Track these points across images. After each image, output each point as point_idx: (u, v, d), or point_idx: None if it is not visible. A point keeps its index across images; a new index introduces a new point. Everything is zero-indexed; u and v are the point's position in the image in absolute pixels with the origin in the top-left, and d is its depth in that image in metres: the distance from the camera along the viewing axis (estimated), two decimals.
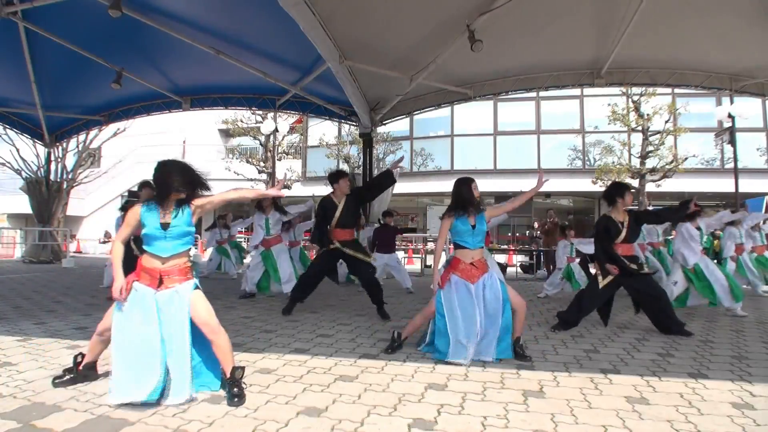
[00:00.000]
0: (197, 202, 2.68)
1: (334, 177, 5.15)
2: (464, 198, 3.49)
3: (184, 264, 2.65)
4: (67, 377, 2.67)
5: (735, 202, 10.45)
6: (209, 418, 2.25)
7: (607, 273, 4.32)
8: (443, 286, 3.43)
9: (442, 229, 3.59)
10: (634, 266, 4.30)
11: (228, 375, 2.52)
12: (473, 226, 3.46)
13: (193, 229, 2.68)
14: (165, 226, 2.57)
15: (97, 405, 2.39)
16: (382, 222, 7.78)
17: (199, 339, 2.59)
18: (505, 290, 3.42)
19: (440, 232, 3.63)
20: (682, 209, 4.83)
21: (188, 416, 2.28)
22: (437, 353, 3.35)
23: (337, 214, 4.98)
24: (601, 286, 4.33)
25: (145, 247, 2.61)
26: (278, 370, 3.05)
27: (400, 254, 12.61)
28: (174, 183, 2.57)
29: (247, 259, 10.23)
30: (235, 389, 2.47)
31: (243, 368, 2.56)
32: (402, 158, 5.34)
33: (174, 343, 2.49)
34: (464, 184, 3.54)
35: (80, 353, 2.75)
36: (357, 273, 5.21)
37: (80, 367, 2.70)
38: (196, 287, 2.65)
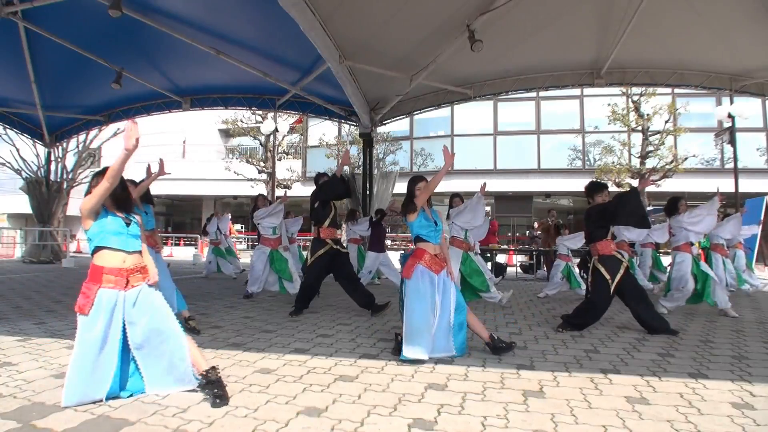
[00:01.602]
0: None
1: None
2: (416, 199, 3.57)
3: (141, 262, 2.70)
4: None
5: (735, 202, 10.45)
6: (209, 418, 2.25)
7: (614, 275, 4.28)
8: (410, 276, 3.47)
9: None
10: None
11: (204, 378, 2.49)
12: (436, 224, 3.59)
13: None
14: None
15: (97, 405, 2.39)
16: (374, 218, 7.85)
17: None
18: (457, 288, 3.57)
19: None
20: None
21: (188, 416, 2.28)
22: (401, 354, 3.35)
23: (332, 214, 5.15)
24: (612, 288, 4.28)
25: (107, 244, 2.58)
26: (278, 370, 3.05)
27: (399, 254, 12.62)
28: None
29: (245, 258, 10.26)
30: (216, 390, 2.44)
31: (215, 367, 2.54)
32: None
33: (158, 345, 2.55)
34: (415, 186, 3.62)
35: None
36: (341, 272, 5.19)
37: None
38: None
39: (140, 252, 2.69)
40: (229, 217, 10.02)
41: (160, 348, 2.54)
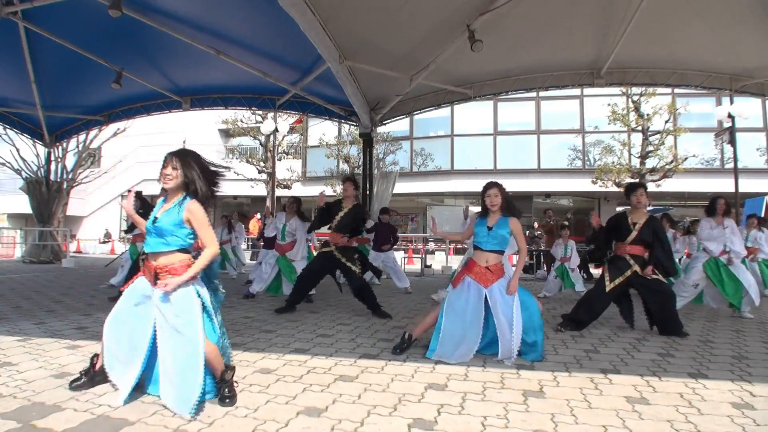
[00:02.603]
0: (191, 210, 2.47)
1: (346, 179, 5.15)
2: (482, 205, 3.61)
3: (179, 263, 2.48)
4: (84, 380, 2.58)
5: (735, 202, 10.44)
6: (209, 418, 2.25)
7: (615, 276, 4.31)
8: (456, 286, 3.52)
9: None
10: (634, 268, 4.29)
11: (218, 377, 2.48)
12: (489, 228, 3.51)
13: (184, 231, 2.49)
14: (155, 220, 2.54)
15: (97, 405, 2.39)
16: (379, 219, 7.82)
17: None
18: (524, 294, 3.46)
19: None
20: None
21: (188, 416, 2.27)
22: (429, 351, 3.40)
23: (339, 217, 5.03)
24: (608, 289, 4.30)
25: None
26: (278, 370, 3.05)
27: (400, 254, 12.63)
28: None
29: (249, 261, 10.27)
30: (226, 390, 2.44)
31: (233, 368, 2.52)
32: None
33: (172, 354, 2.41)
34: (482, 192, 3.61)
35: (96, 354, 2.66)
36: (348, 281, 5.20)
37: (96, 368, 2.60)
38: (198, 295, 2.48)
39: (175, 251, 2.49)
40: (243, 226, 10.07)
41: (175, 354, 2.40)
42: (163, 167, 2.50)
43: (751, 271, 7.00)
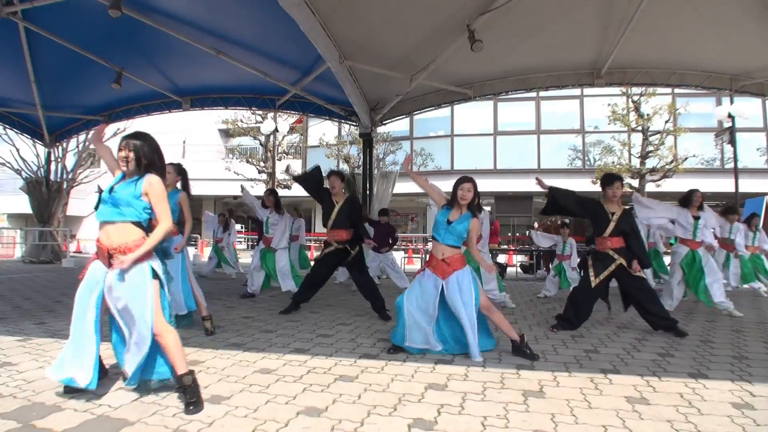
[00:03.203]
0: (150, 182, 2.50)
1: (331, 173, 5.11)
2: (452, 195, 3.57)
3: (133, 243, 2.42)
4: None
5: (735, 202, 10.44)
6: (209, 418, 2.25)
7: (599, 272, 4.31)
8: (415, 277, 3.63)
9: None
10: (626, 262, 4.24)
11: (178, 379, 2.41)
12: (449, 222, 3.51)
13: (140, 204, 2.48)
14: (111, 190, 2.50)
15: (97, 405, 2.39)
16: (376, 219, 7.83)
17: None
18: (476, 290, 3.45)
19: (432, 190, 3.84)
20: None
21: (188, 416, 2.28)
22: (394, 338, 3.54)
23: (334, 214, 4.97)
24: (593, 285, 4.31)
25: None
26: (278, 370, 3.05)
27: (400, 254, 12.63)
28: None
29: (245, 259, 10.27)
30: (187, 396, 2.35)
31: (192, 372, 2.44)
32: None
33: (131, 328, 2.42)
34: (456, 183, 3.58)
35: None
36: (353, 276, 5.18)
37: None
38: (155, 275, 2.45)
39: (129, 223, 2.45)
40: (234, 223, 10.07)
41: (132, 337, 2.43)
42: (119, 150, 2.53)
43: (733, 265, 7.05)
